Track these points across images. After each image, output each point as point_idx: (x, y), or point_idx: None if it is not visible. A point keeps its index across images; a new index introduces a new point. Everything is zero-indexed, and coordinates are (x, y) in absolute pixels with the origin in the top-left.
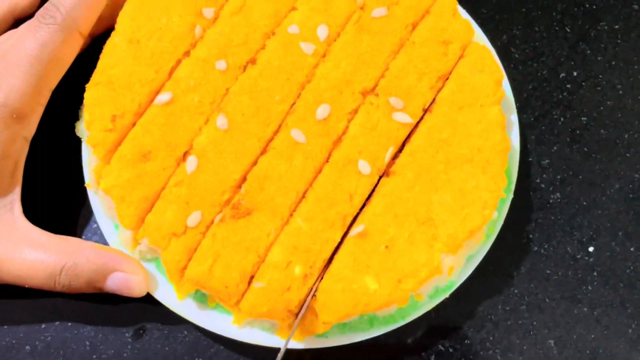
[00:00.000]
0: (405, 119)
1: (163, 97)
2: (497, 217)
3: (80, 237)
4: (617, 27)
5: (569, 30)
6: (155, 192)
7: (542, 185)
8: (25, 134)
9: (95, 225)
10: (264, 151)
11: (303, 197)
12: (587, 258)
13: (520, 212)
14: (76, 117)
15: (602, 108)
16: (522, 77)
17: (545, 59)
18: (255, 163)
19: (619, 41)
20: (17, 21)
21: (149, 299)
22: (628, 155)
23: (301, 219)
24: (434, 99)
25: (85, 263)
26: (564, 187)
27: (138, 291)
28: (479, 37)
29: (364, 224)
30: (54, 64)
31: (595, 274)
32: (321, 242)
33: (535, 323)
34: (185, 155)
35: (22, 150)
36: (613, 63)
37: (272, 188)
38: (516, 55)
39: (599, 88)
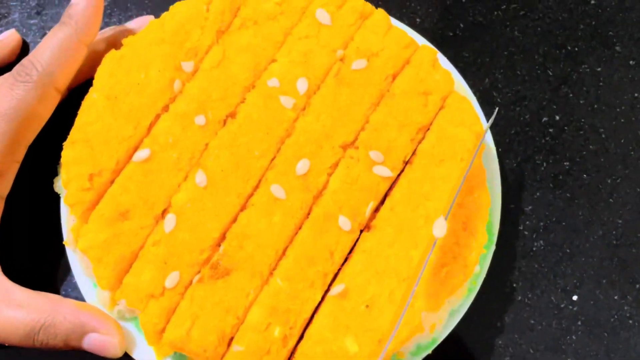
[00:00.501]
0: (385, 172)
1: (141, 154)
2: (480, 271)
3: (59, 291)
4: (599, 69)
5: (550, 73)
6: (133, 252)
7: (526, 233)
8: (0, 191)
9: (74, 280)
10: (243, 207)
11: (283, 254)
12: (571, 307)
13: (504, 261)
14: (55, 173)
15: (584, 152)
16: (505, 122)
17: (527, 103)
18: (234, 220)
19: (601, 84)
20: None
21: (127, 358)
22: (611, 200)
23: (280, 278)
24: (414, 151)
25: (62, 322)
26: (547, 234)
27: (113, 353)
28: (460, 85)
29: (344, 282)
30: (30, 121)
31: (579, 323)
32: (301, 302)
33: None
34: (163, 213)
35: None
36: (595, 106)
37: (252, 246)
38: (498, 100)
39: (581, 132)
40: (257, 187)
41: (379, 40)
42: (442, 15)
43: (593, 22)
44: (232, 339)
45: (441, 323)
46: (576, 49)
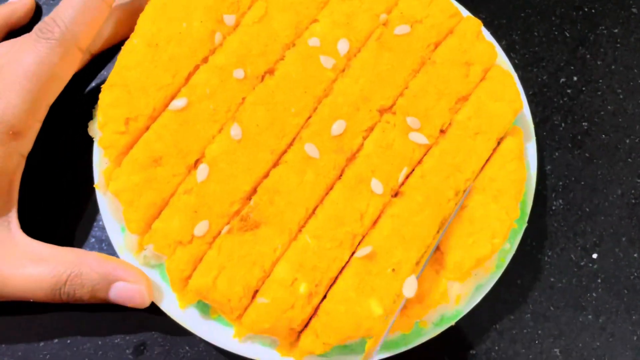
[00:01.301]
0: (421, 139)
1: (178, 102)
2: (510, 249)
3: (85, 239)
4: (616, 31)
5: (568, 35)
6: (163, 198)
7: (544, 192)
8: (21, 150)
9: (102, 223)
10: (276, 164)
11: (313, 213)
12: (591, 265)
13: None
14: (90, 116)
15: (602, 113)
16: (523, 83)
17: (545, 64)
18: (266, 175)
19: (618, 45)
20: (11, 32)
21: (150, 309)
22: (630, 160)
23: (309, 235)
24: (450, 122)
25: (89, 272)
26: (566, 193)
27: (141, 301)
28: (502, 60)
29: (372, 245)
30: (52, 80)
31: (599, 280)
32: (328, 260)
33: (540, 332)
34: (196, 163)
35: (18, 167)
36: (613, 67)
37: (282, 202)
38: (516, 61)
39: (599, 93)
40: (291, 144)
41: (424, 8)
42: None
43: None
44: (256, 291)
45: (467, 296)
46: (593, 10)
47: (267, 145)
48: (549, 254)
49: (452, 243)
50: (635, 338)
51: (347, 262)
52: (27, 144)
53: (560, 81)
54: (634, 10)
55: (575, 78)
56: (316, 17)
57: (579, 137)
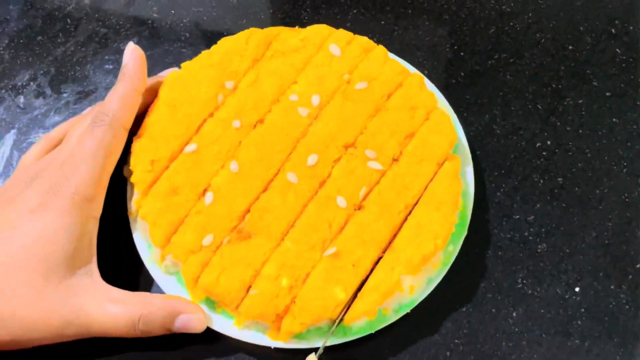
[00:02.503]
0: (377, 166)
1: (190, 147)
2: (453, 250)
3: (123, 256)
4: (580, 101)
5: (540, 107)
6: (180, 218)
7: (530, 238)
8: (95, 214)
9: (133, 249)
10: (265, 189)
11: (293, 225)
12: (574, 297)
13: (514, 262)
14: (124, 161)
15: (574, 170)
16: (505, 149)
17: (522, 132)
18: (257, 198)
19: (583, 113)
20: None
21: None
22: (600, 207)
23: (290, 242)
24: (400, 152)
25: (157, 311)
26: (548, 238)
27: (200, 327)
28: (443, 104)
29: (337, 246)
30: (109, 155)
31: (582, 310)
32: (304, 260)
33: (535, 356)
34: (204, 191)
35: (94, 228)
36: (580, 131)
37: (269, 218)
38: (498, 131)
39: (570, 153)
40: (276, 174)
41: (378, 68)
42: (445, 67)
43: (572, 64)
44: (249, 287)
45: (419, 287)
46: (560, 86)
47: (258, 175)
48: (538, 289)
49: (404, 244)
50: (617, 358)
51: (319, 260)
52: (98, 208)
53: (537, 145)
54: (595, 83)
55: (549, 142)
56: (295, 80)
57: (556, 191)
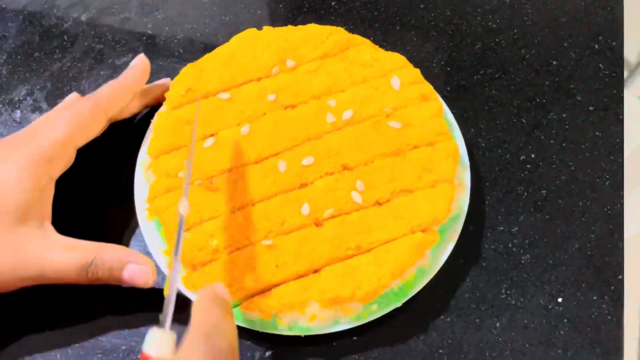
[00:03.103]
0: (357, 199)
1: (224, 95)
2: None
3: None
4: (564, 115)
5: (524, 121)
6: (177, 145)
7: (514, 249)
8: (51, 174)
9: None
10: (255, 162)
11: (253, 204)
12: (557, 308)
13: (498, 273)
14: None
15: (558, 182)
16: (490, 162)
17: (507, 146)
18: (244, 165)
19: (566, 127)
20: None
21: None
22: (583, 219)
23: (241, 216)
24: (388, 200)
25: (109, 256)
26: (532, 249)
27: (146, 280)
28: (465, 184)
29: (276, 243)
30: (80, 127)
31: (565, 320)
32: (242, 237)
33: None
34: (211, 135)
35: (49, 187)
36: (564, 145)
37: (240, 186)
38: (483, 144)
39: (554, 166)
40: (272, 155)
41: (422, 119)
42: (432, 82)
43: (556, 79)
44: (188, 229)
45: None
46: (544, 100)
47: (258, 148)
48: (522, 300)
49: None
50: None
51: (253, 245)
52: (55, 170)
53: (521, 158)
54: (578, 97)
55: (533, 155)
56: (344, 89)
57: (540, 203)
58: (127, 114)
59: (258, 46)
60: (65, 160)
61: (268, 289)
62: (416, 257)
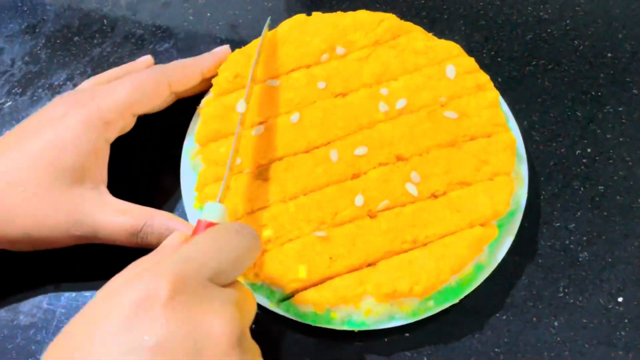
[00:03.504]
0: (413, 191)
1: (273, 82)
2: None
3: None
4: (620, 109)
5: (579, 114)
6: (225, 132)
7: (571, 246)
8: (107, 136)
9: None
10: (306, 151)
11: (306, 194)
12: (617, 307)
13: (555, 270)
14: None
15: (615, 178)
16: (544, 155)
17: (562, 139)
18: (295, 155)
19: (623, 121)
20: None
21: None
22: None
23: (294, 206)
24: (444, 193)
25: (159, 223)
26: (590, 246)
27: None
28: (522, 177)
29: (329, 234)
30: (142, 96)
31: (626, 320)
32: (295, 227)
33: None
34: (259, 123)
35: (104, 150)
36: (621, 139)
37: (292, 176)
38: (537, 138)
39: (610, 161)
40: (324, 145)
41: (479, 109)
42: None
43: (611, 71)
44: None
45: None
46: (599, 93)
47: (309, 137)
48: (580, 299)
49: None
50: None
51: (306, 235)
52: (112, 133)
53: (577, 153)
54: (635, 91)
55: (589, 150)
56: (397, 77)
57: (597, 199)
58: (195, 91)
59: (307, 32)
60: (122, 125)
61: (321, 281)
62: (475, 252)
